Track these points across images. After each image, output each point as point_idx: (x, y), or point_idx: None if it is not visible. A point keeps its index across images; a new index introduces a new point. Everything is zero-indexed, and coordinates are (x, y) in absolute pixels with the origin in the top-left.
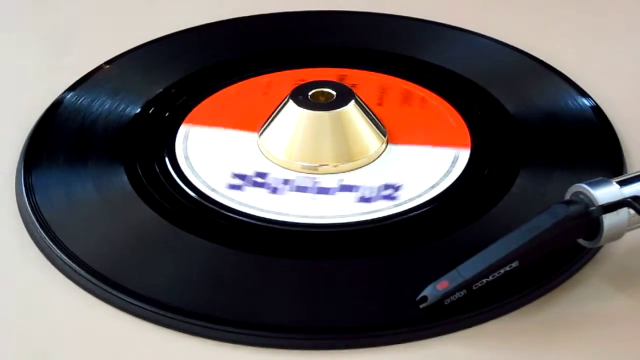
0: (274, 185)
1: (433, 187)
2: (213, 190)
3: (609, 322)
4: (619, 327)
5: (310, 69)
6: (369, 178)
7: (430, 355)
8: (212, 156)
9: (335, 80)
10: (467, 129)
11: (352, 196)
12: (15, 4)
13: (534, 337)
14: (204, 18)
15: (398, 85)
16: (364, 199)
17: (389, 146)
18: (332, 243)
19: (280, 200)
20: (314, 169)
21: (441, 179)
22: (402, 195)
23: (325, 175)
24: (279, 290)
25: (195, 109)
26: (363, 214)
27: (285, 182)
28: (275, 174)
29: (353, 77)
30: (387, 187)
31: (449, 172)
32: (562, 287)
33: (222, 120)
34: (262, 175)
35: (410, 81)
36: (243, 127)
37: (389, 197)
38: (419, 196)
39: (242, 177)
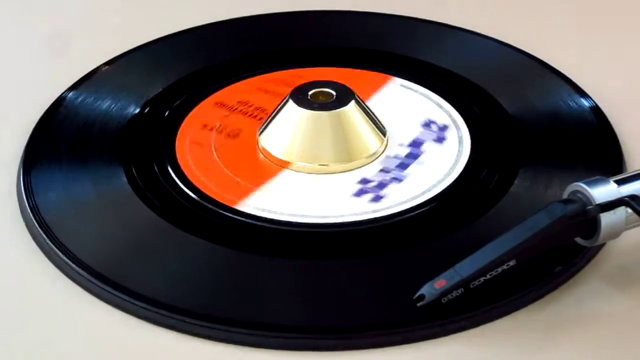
0: None
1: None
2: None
3: (609, 322)
4: (619, 327)
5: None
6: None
7: (430, 355)
8: None
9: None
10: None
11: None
12: (15, 3)
13: (533, 337)
14: (204, 18)
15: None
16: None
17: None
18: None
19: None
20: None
21: None
22: (449, 135)
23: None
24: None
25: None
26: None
27: None
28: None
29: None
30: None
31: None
32: (562, 287)
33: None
34: None
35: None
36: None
37: (439, 139)
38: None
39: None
